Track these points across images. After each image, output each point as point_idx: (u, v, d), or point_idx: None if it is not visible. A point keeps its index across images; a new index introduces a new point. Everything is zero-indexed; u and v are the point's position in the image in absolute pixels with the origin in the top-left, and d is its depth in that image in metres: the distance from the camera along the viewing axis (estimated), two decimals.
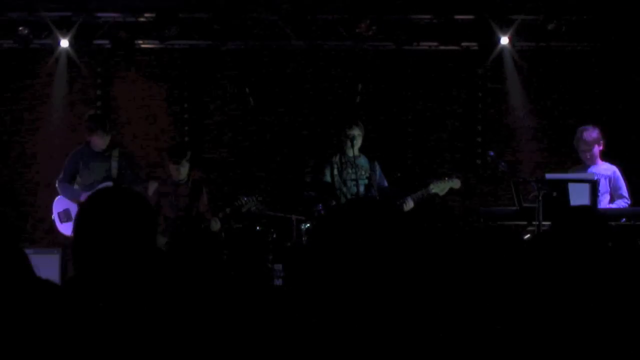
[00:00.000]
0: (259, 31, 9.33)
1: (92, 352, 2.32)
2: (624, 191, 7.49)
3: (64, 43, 9.08)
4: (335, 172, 7.71)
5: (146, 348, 2.36)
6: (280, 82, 9.75)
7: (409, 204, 7.53)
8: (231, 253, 7.86)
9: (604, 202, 7.39)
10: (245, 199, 7.72)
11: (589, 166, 7.54)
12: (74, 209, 7.60)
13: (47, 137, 9.57)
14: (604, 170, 7.52)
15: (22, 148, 9.64)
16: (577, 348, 2.67)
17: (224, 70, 9.74)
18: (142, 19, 9.22)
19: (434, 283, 2.55)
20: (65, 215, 7.73)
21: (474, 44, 9.39)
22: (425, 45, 9.47)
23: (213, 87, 9.78)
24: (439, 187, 7.59)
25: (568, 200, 6.80)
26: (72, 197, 7.68)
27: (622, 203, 7.42)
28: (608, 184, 7.46)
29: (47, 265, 8.07)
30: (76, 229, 2.51)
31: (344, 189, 7.70)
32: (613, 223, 6.82)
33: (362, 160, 7.79)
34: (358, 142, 7.71)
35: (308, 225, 7.76)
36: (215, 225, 7.53)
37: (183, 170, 7.62)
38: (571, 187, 6.89)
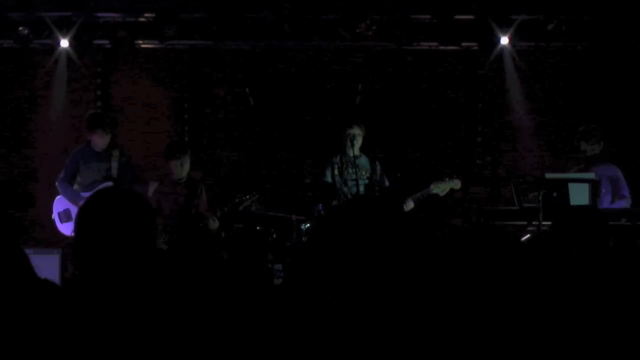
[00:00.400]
0: (259, 31, 9.33)
1: (92, 352, 2.32)
2: (625, 191, 7.49)
3: (64, 43, 9.09)
4: (336, 172, 7.70)
5: (146, 348, 2.36)
6: (280, 82, 9.75)
7: (409, 205, 7.53)
8: (231, 253, 7.85)
9: (606, 202, 7.38)
10: (243, 197, 7.72)
11: (590, 166, 7.53)
12: (74, 209, 7.60)
13: (47, 137, 9.57)
14: (605, 170, 7.51)
15: (22, 148, 9.64)
16: (577, 348, 2.67)
17: (224, 70, 9.75)
18: (142, 19, 9.22)
19: (433, 283, 2.55)
20: (65, 215, 7.73)
21: (474, 44, 9.40)
22: (425, 45, 9.47)
23: (213, 87, 9.78)
24: (440, 188, 7.58)
25: (568, 200, 6.79)
26: (72, 198, 7.67)
27: (623, 203, 7.41)
28: (609, 184, 7.45)
29: (47, 265, 8.05)
30: (77, 229, 2.51)
31: (345, 189, 7.69)
32: (613, 223, 6.81)
33: (363, 160, 7.79)
34: (358, 142, 7.71)
35: (308, 225, 7.77)
36: (214, 223, 7.52)
37: (185, 166, 7.61)
38: (571, 187, 6.88)
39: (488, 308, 2.46)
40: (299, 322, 2.34)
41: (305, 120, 9.73)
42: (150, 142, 9.66)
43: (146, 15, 9.19)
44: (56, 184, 7.83)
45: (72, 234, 2.58)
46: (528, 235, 6.88)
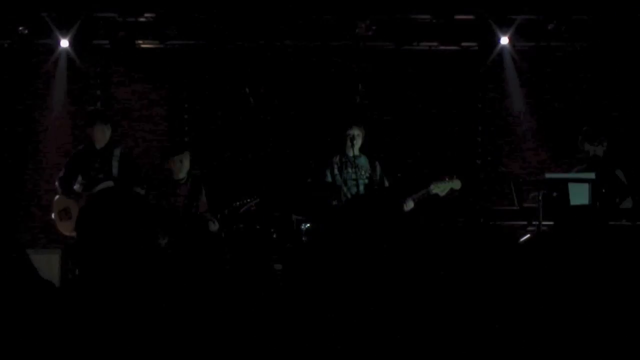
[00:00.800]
0: (259, 31, 9.33)
1: (92, 352, 2.32)
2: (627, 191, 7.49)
3: (64, 43, 9.09)
4: (336, 172, 7.70)
5: (146, 347, 2.36)
6: (281, 82, 9.75)
7: (409, 205, 7.52)
8: (232, 253, 7.86)
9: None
10: (244, 200, 7.73)
11: (592, 166, 7.53)
12: (74, 208, 7.59)
13: (47, 137, 9.57)
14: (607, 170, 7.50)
15: (22, 148, 9.64)
16: (577, 346, 2.67)
17: (224, 70, 9.74)
18: (142, 19, 9.22)
19: (433, 281, 2.55)
20: (65, 214, 7.73)
21: (474, 44, 9.40)
22: (425, 45, 9.47)
23: (213, 87, 9.78)
24: (440, 188, 7.57)
25: (568, 200, 6.79)
26: (72, 197, 7.67)
27: (624, 203, 7.41)
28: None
29: (47, 265, 8.07)
30: (78, 229, 2.52)
31: (344, 189, 7.69)
32: (613, 223, 6.81)
33: (363, 160, 7.79)
34: (358, 142, 7.71)
35: (308, 225, 7.77)
36: (214, 226, 7.52)
37: (185, 165, 7.61)
38: (571, 187, 6.88)
39: (488, 307, 2.46)
40: (300, 321, 2.34)
41: (305, 120, 9.73)
42: (150, 142, 9.66)
43: (146, 15, 9.19)
44: (56, 183, 7.83)
45: (72, 233, 2.59)
46: (528, 235, 6.88)
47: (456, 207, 9.63)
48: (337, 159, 7.77)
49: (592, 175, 7.15)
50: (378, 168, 7.83)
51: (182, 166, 7.61)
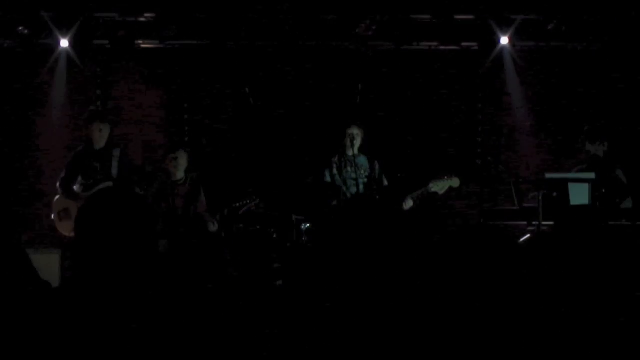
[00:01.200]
0: (259, 31, 9.33)
1: (92, 352, 2.32)
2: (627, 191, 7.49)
3: (64, 43, 9.09)
4: (335, 171, 7.71)
5: (146, 347, 2.36)
6: (280, 82, 9.75)
7: (409, 203, 7.52)
8: (232, 253, 7.86)
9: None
10: (243, 201, 7.73)
11: (592, 166, 7.53)
12: (74, 208, 7.59)
13: (47, 137, 9.57)
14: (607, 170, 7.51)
15: (22, 148, 9.64)
16: (577, 346, 2.67)
17: (224, 70, 9.74)
18: (142, 19, 9.22)
19: (433, 281, 2.55)
20: (65, 215, 7.72)
21: (474, 44, 9.40)
22: (425, 45, 9.47)
23: (213, 87, 9.78)
24: (439, 186, 7.58)
25: (568, 200, 6.80)
26: (72, 198, 7.67)
27: (624, 203, 7.41)
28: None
29: (47, 265, 8.06)
30: (77, 229, 2.52)
31: (344, 189, 7.70)
32: (613, 223, 6.82)
33: (362, 160, 7.79)
34: (358, 142, 7.72)
35: (308, 225, 7.77)
36: (213, 227, 7.53)
37: (181, 164, 7.61)
38: (571, 187, 6.88)
39: (488, 307, 2.46)
40: (300, 321, 2.34)
41: (305, 120, 9.72)
42: (150, 142, 9.66)
43: (146, 15, 9.19)
44: (57, 184, 7.82)
45: (72, 234, 2.59)
46: (528, 235, 6.88)
47: (456, 206, 9.66)
48: (336, 158, 7.77)
49: (592, 175, 7.15)
50: (377, 167, 7.83)
51: (178, 165, 7.62)
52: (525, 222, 7.07)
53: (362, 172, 7.71)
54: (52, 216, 7.87)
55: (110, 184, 7.61)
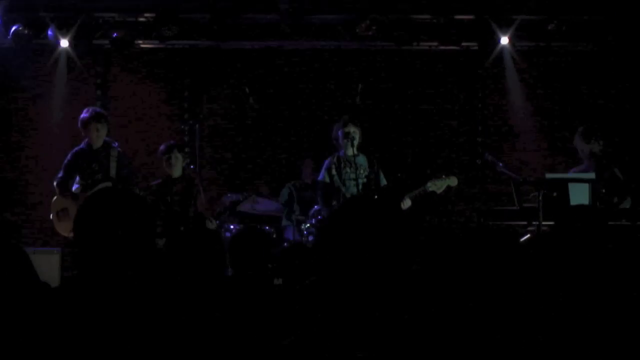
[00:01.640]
0: (259, 31, 9.33)
1: (92, 351, 2.32)
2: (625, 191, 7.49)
3: (64, 43, 9.09)
4: (334, 171, 7.70)
5: (146, 347, 2.36)
6: (280, 82, 9.75)
7: (407, 203, 7.52)
8: (230, 252, 7.86)
9: None
10: (241, 197, 7.74)
11: (590, 165, 7.53)
12: (72, 208, 7.58)
13: (47, 137, 9.58)
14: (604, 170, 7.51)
15: (22, 147, 9.65)
16: (577, 346, 2.67)
17: (224, 70, 9.75)
18: (142, 19, 9.23)
19: (432, 281, 2.55)
20: (64, 215, 7.72)
21: (474, 44, 9.40)
22: (425, 45, 9.47)
23: (213, 87, 9.79)
24: (436, 185, 7.57)
25: (568, 200, 6.80)
26: (70, 197, 7.67)
27: (623, 203, 7.41)
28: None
29: (47, 265, 8.07)
30: (76, 229, 2.52)
31: (343, 189, 7.69)
32: (613, 223, 6.81)
33: (361, 159, 7.79)
34: (357, 140, 7.72)
35: (308, 225, 7.77)
36: (211, 224, 7.52)
37: (178, 163, 7.62)
38: (571, 187, 6.88)
39: (488, 307, 2.46)
40: (300, 321, 2.34)
41: (304, 120, 9.73)
42: (149, 142, 9.66)
43: (146, 15, 9.20)
44: (54, 183, 7.82)
45: (71, 234, 2.59)
46: (528, 235, 6.88)
47: (456, 207, 9.66)
48: (335, 158, 7.76)
49: (592, 175, 7.15)
50: (376, 167, 7.82)
51: (175, 162, 7.62)
52: (525, 222, 7.07)
53: (362, 172, 7.70)
54: (51, 216, 7.87)
55: (109, 184, 7.61)
